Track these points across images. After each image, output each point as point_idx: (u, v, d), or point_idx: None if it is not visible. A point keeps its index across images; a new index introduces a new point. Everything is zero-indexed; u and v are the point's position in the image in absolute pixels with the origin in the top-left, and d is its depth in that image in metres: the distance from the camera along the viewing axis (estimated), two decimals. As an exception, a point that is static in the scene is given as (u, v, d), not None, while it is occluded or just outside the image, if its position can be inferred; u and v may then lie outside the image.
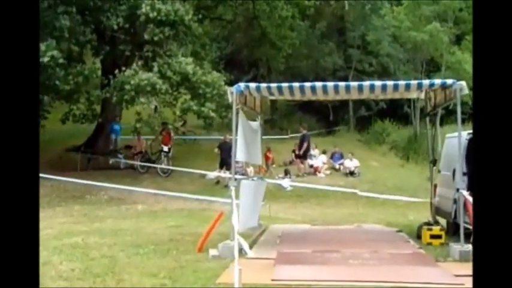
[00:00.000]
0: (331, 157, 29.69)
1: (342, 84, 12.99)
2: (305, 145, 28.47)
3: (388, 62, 42.49)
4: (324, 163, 28.84)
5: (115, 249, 12.10)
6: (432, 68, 39.72)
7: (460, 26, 38.56)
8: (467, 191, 11.56)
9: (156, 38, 24.30)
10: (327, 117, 43.32)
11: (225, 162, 24.91)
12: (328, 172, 28.57)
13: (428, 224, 14.24)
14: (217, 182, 26.01)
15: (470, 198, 10.95)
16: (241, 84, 12.57)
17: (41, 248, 11.81)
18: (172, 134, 28.39)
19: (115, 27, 24.71)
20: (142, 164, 27.99)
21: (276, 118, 42.27)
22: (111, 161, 28.49)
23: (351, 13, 43.71)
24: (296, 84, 12.78)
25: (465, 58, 34.67)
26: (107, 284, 9.18)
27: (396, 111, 40.90)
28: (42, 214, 18.54)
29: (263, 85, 13.10)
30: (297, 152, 28.90)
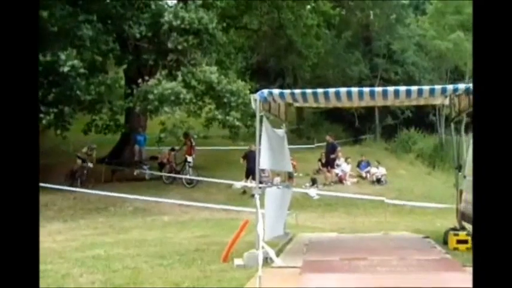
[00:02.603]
0: (358, 165, 29.61)
1: (366, 89, 12.81)
2: (332, 154, 28.40)
3: (413, 70, 42.77)
4: (343, 171, 28.60)
5: (138, 260, 11.99)
6: (457, 76, 39.64)
7: (483, 36, 38.66)
8: None
9: (180, 47, 24.04)
10: (354, 126, 43.28)
11: (251, 172, 24.69)
12: (354, 180, 28.47)
13: (454, 229, 14.06)
14: (244, 192, 25.86)
15: None
16: (265, 91, 12.41)
17: (61, 260, 11.90)
18: (193, 144, 28.24)
19: (138, 35, 24.42)
20: (167, 174, 27.89)
21: (303, 128, 42.43)
22: (136, 172, 28.36)
23: (376, 22, 43.84)
24: (320, 90, 12.62)
25: (489, 67, 34.73)
26: (128, 295, 9.09)
27: (422, 119, 41.05)
28: (65, 227, 18.82)
29: (287, 91, 12.96)
30: (323, 161, 28.84)
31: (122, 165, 29.06)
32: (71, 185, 25.20)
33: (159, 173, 28.39)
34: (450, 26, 37.39)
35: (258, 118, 12.26)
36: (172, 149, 28.57)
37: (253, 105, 12.50)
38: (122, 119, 28.12)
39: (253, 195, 22.05)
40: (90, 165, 26.80)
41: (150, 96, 23.43)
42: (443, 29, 37.90)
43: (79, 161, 26.95)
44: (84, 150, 27.17)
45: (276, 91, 12.69)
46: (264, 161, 12.63)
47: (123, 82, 27.33)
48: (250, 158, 25.04)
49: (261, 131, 12.35)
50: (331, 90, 12.64)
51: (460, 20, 37.20)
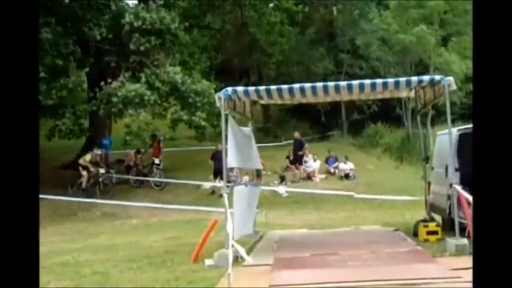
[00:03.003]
0: (326, 161, 29.56)
1: (331, 84, 12.86)
2: (300, 151, 28.41)
3: (378, 65, 42.88)
4: (311, 167, 28.56)
5: (107, 265, 11.91)
6: (421, 69, 39.82)
7: (446, 28, 39.69)
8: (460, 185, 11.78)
9: (142, 48, 23.82)
10: (320, 123, 43.31)
11: (220, 172, 24.50)
12: (323, 176, 28.46)
13: (424, 221, 14.23)
14: (213, 192, 25.68)
15: (463, 193, 11.07)
16: (229, 89, 12.38)
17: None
18: (161, 146, 28.05)
19: (99, 37, 24.03)
20: (135, 178, 27.62)
21: (270, 126, 42.40)
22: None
23: (339, 18, 43.99)
24: (285, 86, 12.63)
25: (452, 59, 36.06)
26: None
27: (388, 113, 41.18)
28: (32, 234, 18.43)
29: (251, 88, 12.98)
30: (291, 158, 28.82)
31: (88, 170, 28.60)
32: (86, 196, 24.54)
33: (126, 177, 28.11)
34: (413, 20, 37.83)
35: (223, 116, 12.21)
36: (138, 151, 28.31)
37: (218, 103, 12.44)
38: (86, 123, 27.79)
39: (221, 195, 22.04)
40: (102, 170, 26.12)
41: (114, 99, 23.13)
42: (407, 23, 38.31)
43: (84, 172, 25.79)
44: (88, 158, 26.09)
45: (240, 88, 12.68)
46: (231, 160, 12.60)
47: (85, 85, 26.85)
48: (218, 158, 24.82)
49: (226, 129, 12.27)
50: (296, 85, 12.66)
51: (422, 13, 37.70)
